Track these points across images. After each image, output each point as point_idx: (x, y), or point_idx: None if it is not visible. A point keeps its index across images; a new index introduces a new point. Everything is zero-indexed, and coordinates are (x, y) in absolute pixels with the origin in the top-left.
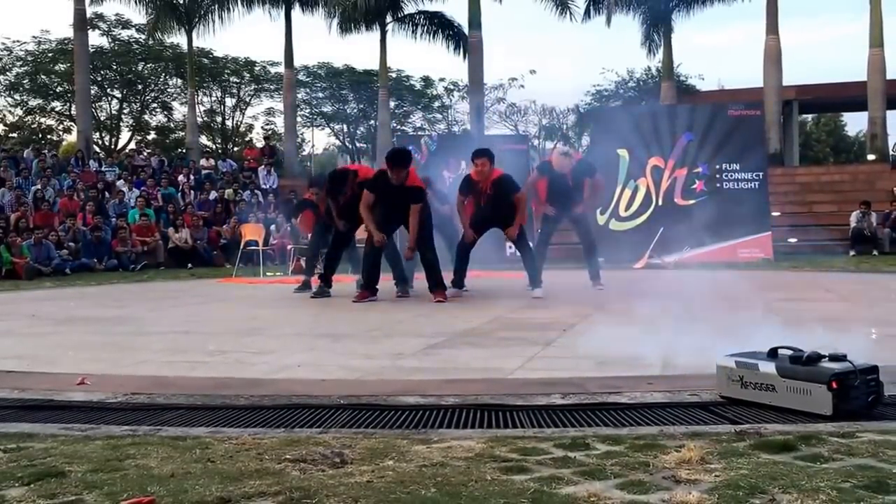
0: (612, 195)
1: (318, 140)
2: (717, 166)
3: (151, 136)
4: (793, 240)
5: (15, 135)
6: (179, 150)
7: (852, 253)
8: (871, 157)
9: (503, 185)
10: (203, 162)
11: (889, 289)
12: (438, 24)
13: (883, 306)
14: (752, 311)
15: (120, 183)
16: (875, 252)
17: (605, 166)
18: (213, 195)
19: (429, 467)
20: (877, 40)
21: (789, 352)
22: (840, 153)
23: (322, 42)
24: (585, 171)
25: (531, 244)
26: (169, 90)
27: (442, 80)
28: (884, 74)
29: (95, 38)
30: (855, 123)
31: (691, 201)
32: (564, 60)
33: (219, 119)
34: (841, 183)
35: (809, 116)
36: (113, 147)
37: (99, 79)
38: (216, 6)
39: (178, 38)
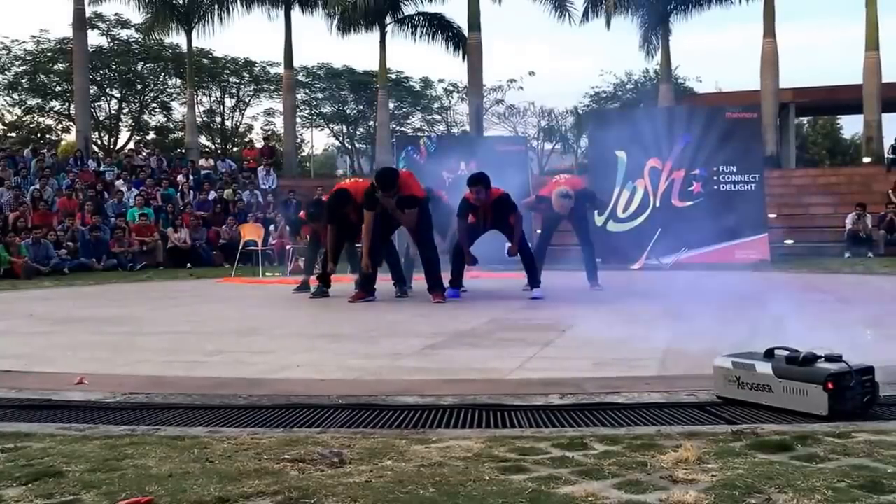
0: (610, 196)
1: (318, 141)
2: (715, 168)
3: (150, 135)
4: (789, 241)
5: (13, 134)
6: (178, 150)
7: (848, 255)
8: (866, 159)
9: (502, 207)
10: (202, 162)
11: (883, 290)
12: (438, 25)
13: (878, 308)
14: (747, 311)
15: (119, 183)
16: (870, 254)
17: (603, 168)
18: (212, 195)
19: (427, 467)
20: (872, 44)
21: (786, 352)
22: (836, 156)
23: (322, 43)
24: (586, 201)
25: (530, 245)
26: (168, 90)
27: (441, 81)
28: (879, 78)
29: (94, 38)
30: (851, 126)
31: (689, 203)
32: (563, 62)
33: (218, 119)
34: (837, 185)
35: (806, 119)
36: (112, 147)
37: (98, 78)
38: (216, 6)
39: (178, 38)
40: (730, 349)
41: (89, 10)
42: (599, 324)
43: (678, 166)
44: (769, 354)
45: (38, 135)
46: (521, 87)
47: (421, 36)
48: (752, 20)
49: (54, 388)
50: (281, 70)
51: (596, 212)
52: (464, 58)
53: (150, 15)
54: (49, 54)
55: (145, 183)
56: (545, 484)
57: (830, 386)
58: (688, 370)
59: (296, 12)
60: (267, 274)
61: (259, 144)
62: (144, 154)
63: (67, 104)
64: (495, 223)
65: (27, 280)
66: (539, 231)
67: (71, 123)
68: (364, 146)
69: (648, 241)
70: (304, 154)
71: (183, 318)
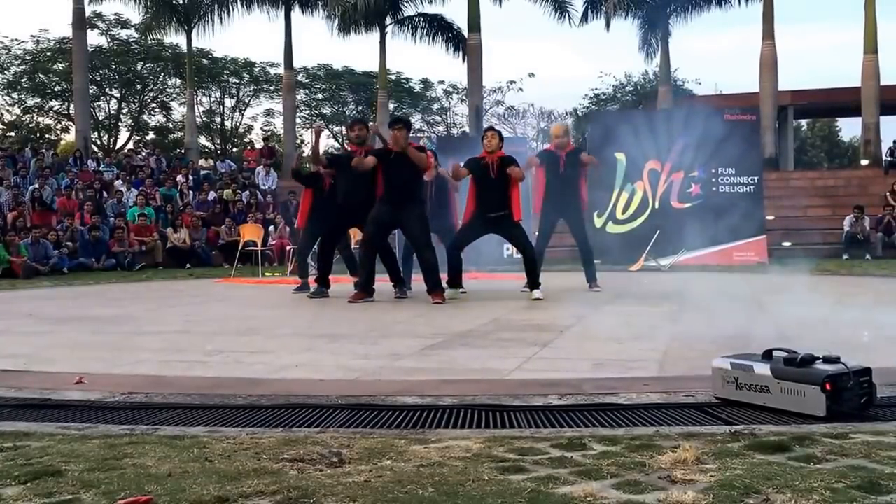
0: (610, 198)
1: None
2: (713, 170)
3: (150, 135)
4: (787, 243)
5: (13, 133)
6: (178, 150)
7: (845, 256)
8: (864, 162)
9: (507, 160)
10: (202, 162)
11: (881, 291)
12: (438, 26)
13: (876, 309)
14: (745, 312)
15: (118, 183)
16: (868, 256)
17: (602, 169)
18: (211, 195)
19: (426, 467)
20: (870, 47)
21: (784, 354)
22: (834, 158)
23: (322, 44)
24: (577, 160)
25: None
26: (168, 90)
27: (441, 82)
28: (877, 81)
29: (94, 38)
30: (849, 129)
31: (687, 204)
32: (563, 64)
33: (218, 119)
34: (835, 187)
35: (804, 121)
36: (111, 147)
37: (98, 78)
38: (216, 6)
39: (178, 39)
40: (728, 350)
41: (89, 10)
42: (598, 325)
43: (677, 168)
44: (767, 356)
45: (38, 134)
46: (521, 89)
47: (421, 37)
48: (751, 23)
49: (53, 388)
50: (281, 71)
51: (595, 213)
52: (464, 59)
53: (149, 15)
54: (48, 54)
55: (145, 183)
56: (544, 484)
57: (828, 387)
58: (686, 371)
59: (296, 13)
60: (266, 274)
61: (259, 145)
62: (144, 154)
63: (67, 104)
64: (501, 180)
65: (26, 280)
66: (537, 232)
67: (70, 123)
68: None
69: (647, 242)
70: (303, 155)
71: (182, 318)
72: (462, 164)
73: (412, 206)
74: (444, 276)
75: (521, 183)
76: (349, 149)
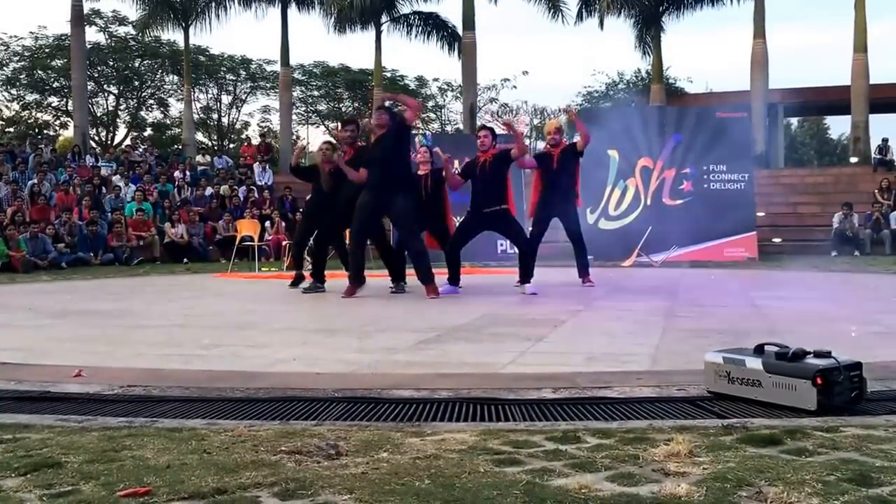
0: (602, 195)
1: (314, 138)
2: (705, 167)
3: (148, 132)
4: (777, 240)
5: (11, 129)
6: (175, 146)
7: (834, 253)
8: (853, 159)
9: (501, 157)
10: (199, 158)
11: (868, 288)
12: (433, 24)
13: (865, 305)
14: (737, 307)
15: (116, 178)
16: (856, 252)
17: (594, 166)
18: (208, 191)
19: (423, 459)
20: (860, 46)
21: (775, 348)
22: (823, 156)
23: (318, 41)
24: (571, 149)
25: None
26: (165, 87)
27: (436, 79)
28: (867, 79)
29: (92, 34)
30: (838, 127)
31: (679, 201)
32: (557, 62)
33: (215, 116)
34: (824, 185)
35: (794, 119)
36: (109, 143)
37: (95, 75)
38: (213, 4)
39: (175, 36)
40: (720, 345)
41: (87, 7)
42: (591, 319)
43: (669, 165)
44: (759, 350)
45: (36, 130)
46: (515, 87)
47: (416, 35)
48: (742, 22)
49: (53, 381)
50: (277, 68)
51: (588, 209)
52: (458, 57)
53: (146, 12)
54: (47, 50)
55: (143, 179)
56: (539, 476)
57: (819, 381)
58: (679, 365)
59: (292, 11)
60: (263, 269)
61: (255, 141)
62: (141, 150)
63: (65, 100)
64: (495, 174)
65: (25, 274)
66: (531, 230)
67: (69, 119)
68: (360, 145)
69: (639, 238)
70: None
71: (180, 312)
72: (458, 173)
73: (399, 194)
74: (442, 274)
75: (516, 180)
76: (343, 149)
